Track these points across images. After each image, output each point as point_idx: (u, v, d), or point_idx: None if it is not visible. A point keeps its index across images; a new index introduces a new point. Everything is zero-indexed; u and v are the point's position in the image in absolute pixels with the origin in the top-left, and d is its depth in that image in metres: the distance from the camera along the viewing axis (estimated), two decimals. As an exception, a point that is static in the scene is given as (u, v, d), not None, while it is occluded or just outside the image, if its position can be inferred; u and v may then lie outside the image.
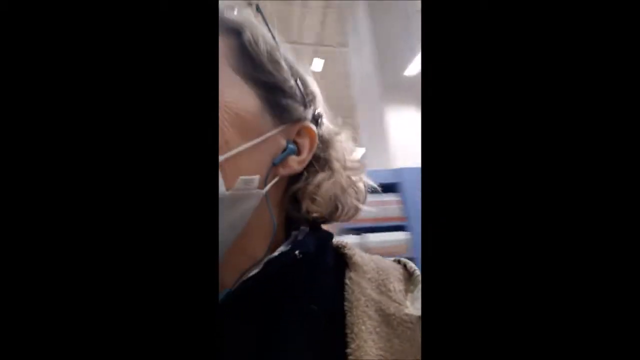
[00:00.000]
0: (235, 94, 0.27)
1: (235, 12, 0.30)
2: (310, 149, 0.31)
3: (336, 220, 0.32)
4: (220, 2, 0.28)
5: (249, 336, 0.25)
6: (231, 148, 0.26)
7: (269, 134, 0.28)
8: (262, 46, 0.29)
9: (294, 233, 0.30)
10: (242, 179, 0.26)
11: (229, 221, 0.26)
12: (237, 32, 0.29)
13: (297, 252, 0.27)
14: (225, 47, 0.28)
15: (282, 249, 0.28)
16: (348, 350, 0.24)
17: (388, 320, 0.25)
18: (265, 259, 0.27)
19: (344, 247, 0.32)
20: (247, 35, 0.29)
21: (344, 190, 0.31)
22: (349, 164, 0.32)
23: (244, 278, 0.26)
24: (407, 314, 0.25)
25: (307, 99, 0.31)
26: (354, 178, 0.32)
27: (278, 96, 0.29)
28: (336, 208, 0.31)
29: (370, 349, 0.23)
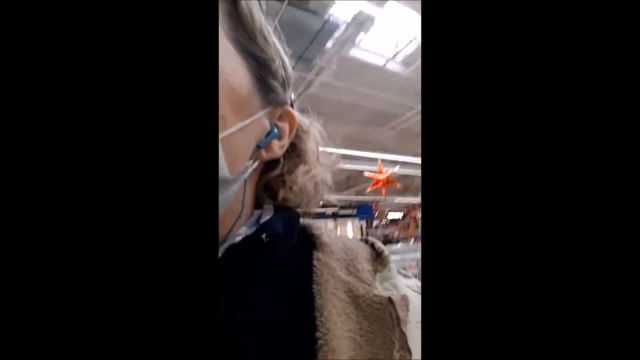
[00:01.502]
0: (231, 66, 0.26)
1: None
2: (290, 135, 0.30)
3: (302, 208, 0.32)
4: None
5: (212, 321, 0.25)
6: (228, 126, 0.25)
7: (259, 114, 0.27)
8: (257, 17, 0.28)
9: (256, 212, 0.29)
10: (246, 165, 0.26)
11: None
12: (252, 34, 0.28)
13: (263, 235, 0.26)
14: (221, 12, 0.26)
15: (245, 230, 0.27)
16: (318, 334, 0.23)
17: (357, 301, 0.25)
18: (227, 244, 0.26)
19: (311, 227, 0.31)
20: (243, 3, 0.27)
21: (318, 182, 0.31)
22: (323, 158, 0.32)
23: None
24: (376, 295, 0.25)
25: (287, 82, 0.31)
26: (327, 174, 0.32)
27: (267, 75, 0.28)
28: (309, 200, 0.31)
29: (339, 331, 0.23)
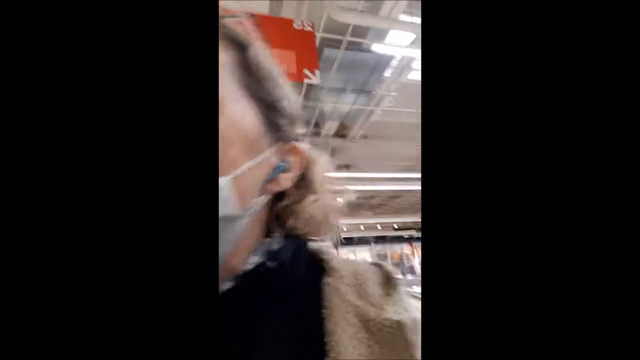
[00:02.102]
0: (240, 110, 0.27)
1: (238, 26, 0.30)
2: (300, 168, 0.32)
3: (313, 235, 0.33)
4: (223, 14, 0.29)
5: (225, 349, 0.24)
6: (238, 165, 0.26)
7: (267, 153, 0.29)
8: (265, 63, 0.30)
9: (266, 241, 0.29)
10: (256, 201, 0.28)
11: (227, 239, 0.26)
12: (242, 46, 0.29)
13: (268, 263, 0.27)
14: (229, 60, 0.28)
15: (256, 259, 0.28)
16: (328, 359, 0.24)
17: (368, 325, 0.25)
18: (237, 273, 0.27)
19: (321, 252, 0.32)
20: (252, 51, 0.29)
21: (327, 211, 0.32)
22: (333, 187, 0.34)
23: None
24: (386, 319, 0.25)
25: (295, 119, 0.33)
26: (335, 201, 0.34)
27: (276, 115, 0.30)
28: (319, 227, 0.32)
29: (350, 355, 0.23)
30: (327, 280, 0.28)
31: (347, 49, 2.87)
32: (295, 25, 2.31)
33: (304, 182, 0.32)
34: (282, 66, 0.32)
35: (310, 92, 3.46)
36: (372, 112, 3.91)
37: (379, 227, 8.81)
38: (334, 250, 0.33)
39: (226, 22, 0.29)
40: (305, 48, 2.21)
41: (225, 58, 0.27)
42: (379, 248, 8.50)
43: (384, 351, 0.24)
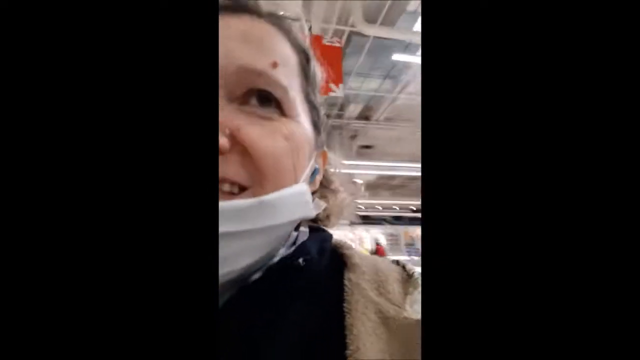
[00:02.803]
0: (305, 119, 0.29)
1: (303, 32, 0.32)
2: (323, 170, 0.35)
3: (331, 226, 0.36)
4: (285, 15, 0.30)
5: (248, 339, 0.25)
6: (305, 172, 0.29)
7: (313, 160, 0.31)
8: (318, 73, 0.32)
9: (293, 234, 0.30)
10: (317, 201, 0.31)
11: (279, 234, 0.26)
12: (306, 55, 0.30)
13: (300, 260, 0.27)
14: (297, 66, 0.29)
15: (283, 251, 0.28)
16: (347, 352, 0.24)
17: (387, 322, 0.26)
18: (267, 265, 0.27)
19: (343, 247, 0.33)
20: (313, 61, 0.31)
21: (344, 206, 0.36)
22: (347, 187, 0.37)
23: (246, 282, 0.26)
24: (406, 317, 0.26)
25: (324, 127, 0.35)
26: (349, 196, 0.38)
27: (318, 122, 0.32)
28: (337, 218, 0.36)
29: (369, 350, 0.24)
30: (349, 275, 0.29)
31: (375, 37, 2.92)
32: (324, 41, 2.52)
33: (325, 181, 0.36)
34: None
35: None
36: (396, 97, 3.96)
37: (396, 208, 8.91)
38: (353, 244, 0.40)
39: (292, 27, 0.30)
40: (332, 63, 2.31)
41: (295, 64, 0.29)
42: (392, 228, 8.63)
43: (402, 349, 0.25)
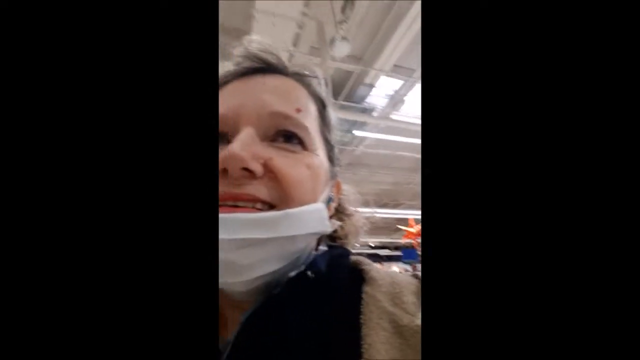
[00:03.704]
0: (323, 153, 0.34)
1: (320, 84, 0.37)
2: (337, 198, 0.39)
3: (350, 245, 0.40)
4: (308, 73, 0.36)
5: (266, 350, 0.26)
6: (321, 197, 0.32)
7: (328, 189, 0.35)
8: (334, 117, 0.37)
9: (313, 253, 0.33)
10: (332, 221, 0.35)
11: (300, 246, 0.30)
12: (323, 103, 0.36)
13: (309, 272, 0.29)
14: (316, 112, 0.34)
15: (301, 268, 0.30)
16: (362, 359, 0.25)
17: (401, 331, 0.26)
18: (286, 278, 0.29)
19: (362, 262, 0.34)
20: (330, 109, 0.37)
21: (359, 226, 0.41)
22: (360, 212, 0.41)
23: (269, 294, 0.28)
24: (418, 325, 0.26)
25: (337, 160, 0.38)
26: (362, 221, 0.41)
27: (332, 157, 0.37)
28: (352, 238, 0.40)
29: (383, 358, 0.25)
30: (366, 288, 0.30)
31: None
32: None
33: (340, 207, 0.40)
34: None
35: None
36: (354, 148, 4.51)
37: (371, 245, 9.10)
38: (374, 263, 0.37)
39: (312, 82, 0.36)
40: None
41: (314, 110, 0.34)
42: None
43: (415, 356, 0.25)
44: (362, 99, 3.63)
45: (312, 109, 0.34)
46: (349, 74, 3.36)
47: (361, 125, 3.93)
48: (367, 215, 0.44)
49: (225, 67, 0.34)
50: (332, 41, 2.56)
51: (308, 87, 0.35)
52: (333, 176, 0.37)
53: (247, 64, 0.34)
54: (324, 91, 0.37)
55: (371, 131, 4.01)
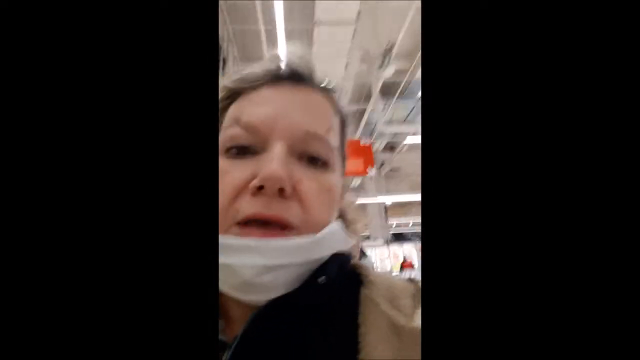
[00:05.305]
0: (339, 170, 0.35)
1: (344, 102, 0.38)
2: (342, 207, 0.39)
3: (352, 235, 0.40)
4: (333, 89, 0.36)
5: (270, 348, 0.27)
6: (336, 213, 0.34)
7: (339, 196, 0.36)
8: (349, 130, 0.38)
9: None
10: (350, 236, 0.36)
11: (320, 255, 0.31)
12: (343, 116, 0.37)
13: (320, 279, 0.30)
14: (339, 124, 0.35)
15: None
16: (360, 356, 0.26)
17: (398, 331, 0.27)
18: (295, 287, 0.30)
19: (360, 267, 0.35)
20: (347, 121, 0.38)
21: (358, 234, 0.41)
22: (359, 218, 0.42)
23: (274, 299, 0.29)
24: (414, 327, 0.27)
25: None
26: (362, 227, 0.43)
27: (342, 170, 0.37)
28: (357, 232, 0.40)
29: (379, 356, 0.26)
30: (364, 291, 0.31)
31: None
32: (361, 142, 4.69)
33: (342, 212, 0.39)
34: (354, 168, 1.28)
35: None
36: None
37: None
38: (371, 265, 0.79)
39: (334, 95, 0.36)
40: (367, 156, 4.66)
41: (337, 127, 0.35)
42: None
43: (411, 355, 0.26)
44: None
45: (336, 125, 0.35)
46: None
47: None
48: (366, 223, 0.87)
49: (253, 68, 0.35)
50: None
51: (332, 101, 0.36)
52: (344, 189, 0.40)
53: (279, 70, 0.34)
54: (345, 106, 0.39)
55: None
